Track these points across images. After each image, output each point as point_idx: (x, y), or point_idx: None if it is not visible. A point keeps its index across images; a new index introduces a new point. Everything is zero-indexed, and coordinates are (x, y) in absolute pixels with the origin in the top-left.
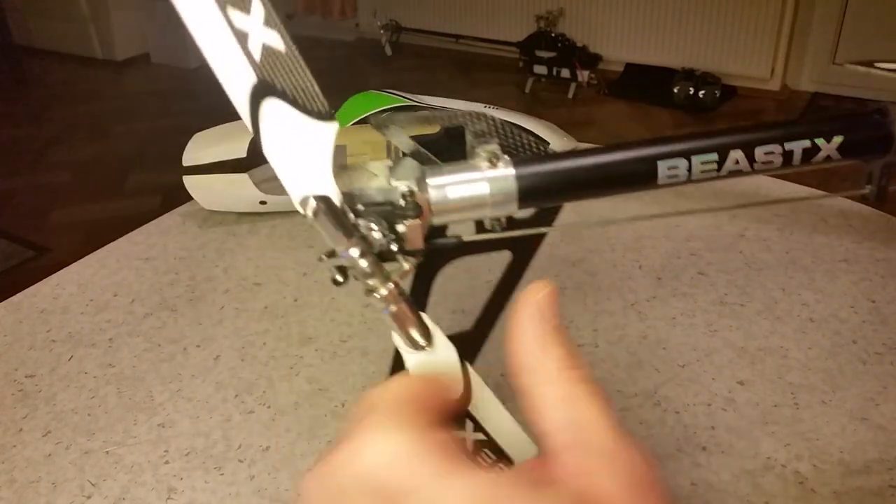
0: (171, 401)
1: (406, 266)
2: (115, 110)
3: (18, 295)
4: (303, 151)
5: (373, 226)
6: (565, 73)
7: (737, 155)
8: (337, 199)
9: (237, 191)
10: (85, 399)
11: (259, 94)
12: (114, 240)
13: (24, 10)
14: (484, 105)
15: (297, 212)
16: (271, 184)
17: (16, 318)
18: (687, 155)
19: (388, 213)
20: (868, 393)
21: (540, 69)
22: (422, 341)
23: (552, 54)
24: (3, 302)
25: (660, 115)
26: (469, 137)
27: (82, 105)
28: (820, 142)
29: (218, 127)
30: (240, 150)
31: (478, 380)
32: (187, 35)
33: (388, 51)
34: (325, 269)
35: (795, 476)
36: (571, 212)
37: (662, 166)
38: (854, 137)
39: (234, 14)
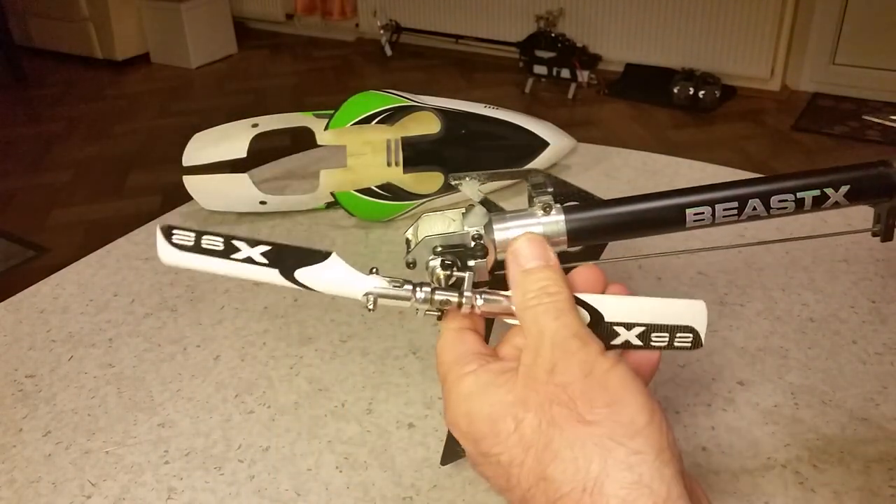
0: (171, 401)
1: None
2: (115, 110)
3: (18, 295)
4: (335, 279)
5: (437, 266)
6: (565, 73)
7: (755, 203)
8: (383, 281)
9: (237, 191)
10: (85, 399)
11: (286, 274)
12: (114, 240)
13: (24, 10)
14: (484, 105)
15: (296, 212)
16: (271, 184)
17: (16, 318)
18: (711, 203)
19: (461, 254)
20: (868, 393)
21: (540, 69)
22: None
23: (552, 54)
24: (3, 302)
25: (660, 115)
26: (528, 188)
27: (82, 105)
28: (829, 191)
29: (218, 127)
30: (240, 150)
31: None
32: (187, 35)
33: (388, 51)
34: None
35: (795, 476)
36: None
37: (690, 213)
38: (860, 186)
39: (235, 255)
